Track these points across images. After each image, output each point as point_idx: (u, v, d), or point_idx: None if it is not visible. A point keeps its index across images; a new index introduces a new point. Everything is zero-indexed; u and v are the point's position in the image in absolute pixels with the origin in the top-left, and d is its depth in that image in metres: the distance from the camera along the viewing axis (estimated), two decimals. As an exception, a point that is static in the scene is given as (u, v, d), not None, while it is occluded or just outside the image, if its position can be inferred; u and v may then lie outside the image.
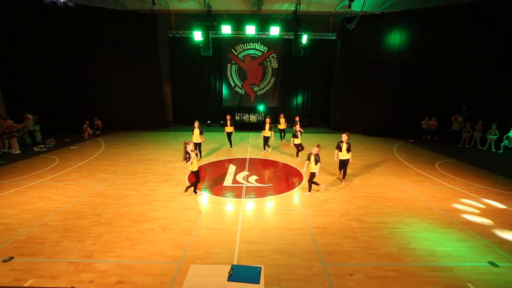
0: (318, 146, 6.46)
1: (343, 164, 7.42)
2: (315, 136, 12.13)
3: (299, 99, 17.69)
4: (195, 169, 6.32)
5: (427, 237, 4.89)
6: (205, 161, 9.49)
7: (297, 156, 9.79)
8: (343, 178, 7.59)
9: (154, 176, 7.88)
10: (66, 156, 9.91)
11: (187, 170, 8.45)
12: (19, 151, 10.28)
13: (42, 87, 13.29)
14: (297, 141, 9.45)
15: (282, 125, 11.83)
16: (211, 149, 11.11)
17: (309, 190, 6.72)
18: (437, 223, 5.41)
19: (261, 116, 16.51)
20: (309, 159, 6.47)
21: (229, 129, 10.75)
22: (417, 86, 13.91)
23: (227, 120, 10.74)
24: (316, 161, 6.32)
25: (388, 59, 14.14)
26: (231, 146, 11.24)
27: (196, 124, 9.07)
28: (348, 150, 7.22)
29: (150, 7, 14.50)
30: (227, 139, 11.32)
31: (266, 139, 10.49)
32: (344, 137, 7.16)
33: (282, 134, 12.23)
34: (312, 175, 6.50)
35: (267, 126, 10.19)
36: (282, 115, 11.86)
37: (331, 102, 16.58)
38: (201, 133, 9.00)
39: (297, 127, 9.53)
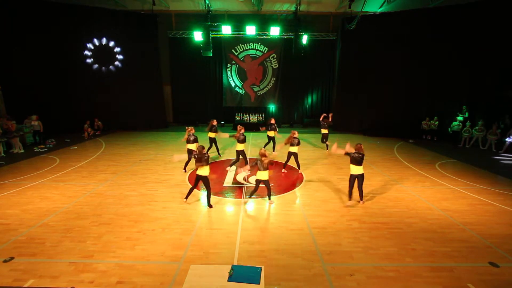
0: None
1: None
2: (315, 136, 12.10)
3: (300, 99, 17.67)
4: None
5: (427, 237, 4.88)
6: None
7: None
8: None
9: (154, 176, 7.89)
10: (66, 156, 9.92)
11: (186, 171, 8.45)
12: (23, 150, 10.34)
13: (42, 87, 13.30)
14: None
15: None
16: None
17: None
18: (437, 223, 5.41)
19: (261, 116, 16.50)
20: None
21: (212, 134, 9.40)
22: (417, 86, 13.89)
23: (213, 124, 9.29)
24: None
25: (388, 59, 14.11)
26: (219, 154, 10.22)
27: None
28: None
29: (151, 8, 14.51)
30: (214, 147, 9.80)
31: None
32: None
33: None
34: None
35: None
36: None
37: (331, 102, 16.56)
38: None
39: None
